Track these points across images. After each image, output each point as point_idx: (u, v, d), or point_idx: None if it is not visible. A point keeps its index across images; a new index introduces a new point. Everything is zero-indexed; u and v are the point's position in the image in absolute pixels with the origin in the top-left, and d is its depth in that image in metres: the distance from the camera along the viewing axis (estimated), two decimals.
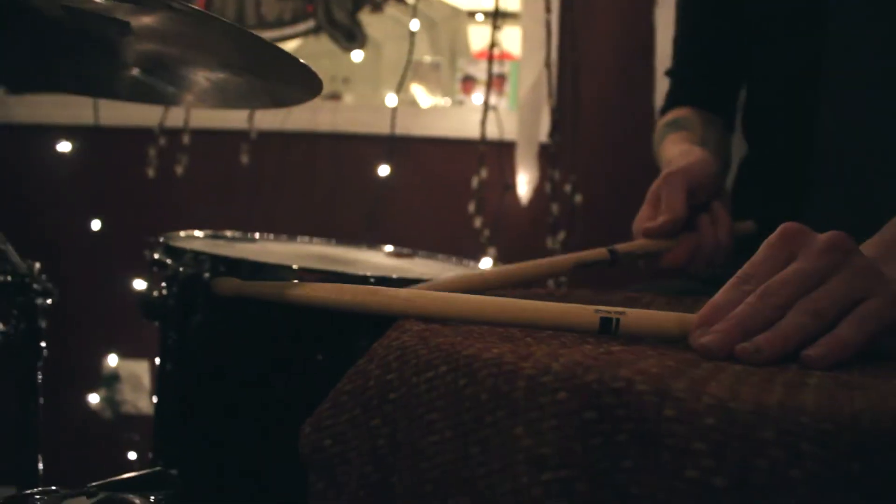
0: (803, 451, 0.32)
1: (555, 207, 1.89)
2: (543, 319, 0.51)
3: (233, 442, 0.89)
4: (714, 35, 1.13)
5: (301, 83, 0.70)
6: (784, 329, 0.48)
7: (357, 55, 2.22)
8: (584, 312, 0.51)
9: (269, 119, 2.03)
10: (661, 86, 1.87)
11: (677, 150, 0.97)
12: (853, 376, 0.44)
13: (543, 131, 1.97)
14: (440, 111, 2.25)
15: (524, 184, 1.98)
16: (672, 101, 1.17)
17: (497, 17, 1.86)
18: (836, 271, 0.50)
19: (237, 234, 1.15)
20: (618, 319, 0.51)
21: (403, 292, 0.52)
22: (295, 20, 2.08)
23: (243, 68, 0.73)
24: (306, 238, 1.24)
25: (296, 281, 0.83)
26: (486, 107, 1.90)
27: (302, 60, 0.63)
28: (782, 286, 0.49)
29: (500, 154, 1.97)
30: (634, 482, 0.34)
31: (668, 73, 1.21)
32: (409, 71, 1.99)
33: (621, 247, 0.79)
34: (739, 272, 0.52)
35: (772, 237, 0.53)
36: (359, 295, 0.52)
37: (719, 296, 0.51)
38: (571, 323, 0.51)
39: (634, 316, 0.51)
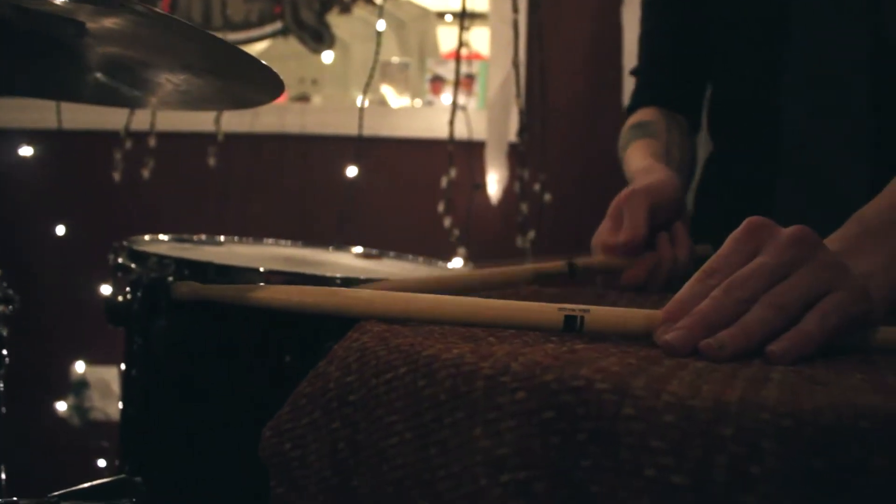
0: (763, 448, 0.31)
1: (524, 207, 1.89)
2: (506, 318, 0.51)
3: (198, 447, 0.88)
4: (679, 34, 1.13)
5: (263, 84, 0.69)
6: (748, 324, 0.47)
7: (326, 56, 2.21)
8: (548, 311, 0.50)
9: (237, 121, 2.02)
10: (629, 85, 1.87)
11: (641, 165, 0.97)
12: (817, 371, 0.44)
13: (513, 131, 1.97)
14: (409, 112, 2.24)
15: (494, 183, 1.98)
16: (638, 100, 1.17)
17: (465, 17, 1.86)
18: (800, 265, 0.50)
19: (203, 237, 1.14)
20: (582, 317, 0.50)
21: (365, 293, 0.51)
22: (262, 22, 2.06)
23: (205, 70, 0.72)
24: (274, 240, 1.22)
25: (262, 284, 0.82)
26: (455, 107, 1.89)
27: (263, 62, 0.62)
28: (747, 280, 0.49)
29: (469, 154, 1.97)
30: (594, 481, 0.34)
31: (634, 72, 1.21)
32: (377, 72, 1.98)
33: (581, 260, 0.80)
34: (704, 266, 0.52)
35: (737, 231, 0.53)
36: (320, 297, 0.51)
37: (684, 291, 0.51)
38: (535, 321, 0.51)
39: (599, 314, 0.51)
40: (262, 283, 0.84)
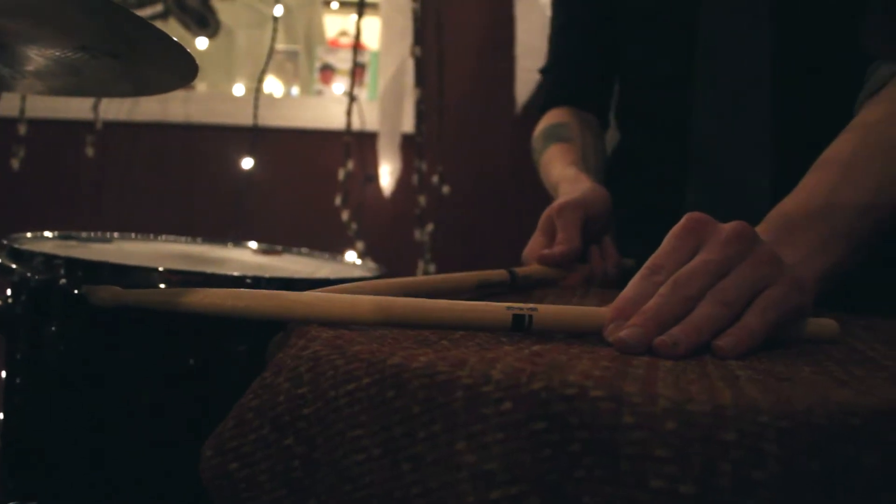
0: (765, 452, 0.31)
1: (422, 199, 1.87)
2: (456, 319, 0.49)
3: (98, 464, 0.81)
4: (588, 33, 1.14)
5: (173, 67, 0.63)
6: (697, 320, 0.48)
7: (200, 42, 2.11)
8: (497, 310, 0.49)
9: (115, 109, 1.90)
10: (522, 77, 1.89)
11: (565, 174, 0.98)
12: (772, 365, 0.44)
13: (406, 122, 1.95)
14: (300, 101, 2.18)
15: (387, 175, 1.95)
16: (548, 100, 1.17)
17: (363, 6, 1.82)
18: (740, 260, 0.51)
19: (92, 234, 1.06)
20: (531, 316, 0.49)
21: (304, 296, 0.48)
22: (141, 3, 1.95)
23: (102, 49, 0.65)
24: (167, 236, 1.15)
25: (192, 288, 0.76)
26: (352, 97, 1.85)
27: (174, 37, 0.57)
28: (692, 277, 0.50)
29: (362, 145, 1.93)
30: (587, 493, 0.32)
31: (543, 70, 1.21)
32: (270, 59, 1.91)
33: (520, 270, 0.81)
34: (648, 263, 0.52)
35: (677, 227, 0.53)
36: (257, 300, 0.47)
37: (630, 289, 0.51)
38: (484, 321, 0.49)
39: (546, 312, 0.49)
40: (162, 285, 0.79)
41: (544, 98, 1.19)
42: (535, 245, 0.86)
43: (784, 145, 0.92)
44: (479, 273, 0.73)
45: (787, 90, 0.91)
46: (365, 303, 0.48)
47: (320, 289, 0.53)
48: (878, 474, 0.32)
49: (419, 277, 0.69)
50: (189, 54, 0.59)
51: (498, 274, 0.76)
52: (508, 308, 0.49)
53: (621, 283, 0.89)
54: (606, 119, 1.18)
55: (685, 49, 0.97)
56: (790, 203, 0.70)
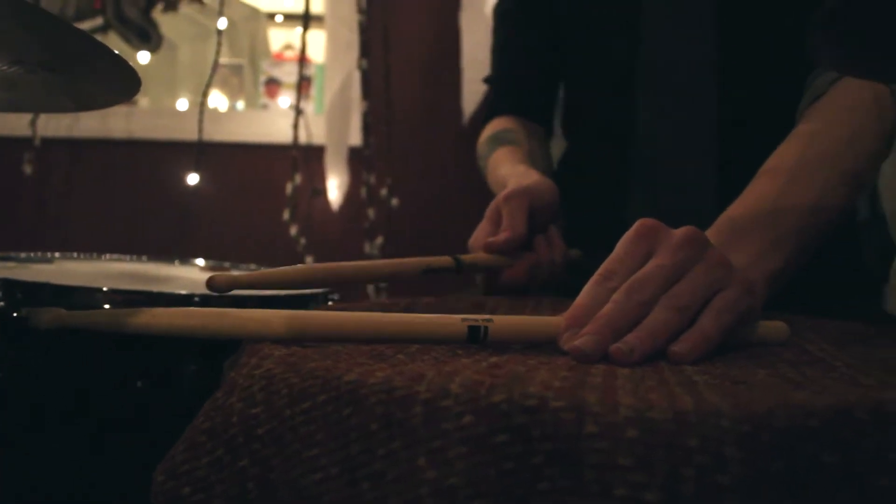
0: (728, 456, 0.31)
1: (371, 212, 1.86)
2: (411, 332, 0.48)
3: (42, 492, 0.78)
4: (530, 43, 1.14)
5: (114, 82, 0.62)
6: (651, 326, 0.48)
7: (141, 57, 2.07)
8: (452, 322, 0.48)
9: (55, 125, 1.85)
10: (469, 87, 1.90)
11: (514, 170, 0.98)
12: (729, 370, 0.45)
13: (353, 135, 1.93)
14: (245, 116, 2.15)
15: (335, 189, 1.93)
16: (493, 110, 1.18)
17: (308, 19, 1.80)
18: (692, 265, 0.51)
19: (31, 254, 1.02)
20: (486, 328, 0.49)
21: (257, 313, 0.47)
22: (80, 16, 1.90)
23: (38, 63, 0.63)
24: (110, 255, 1.12)
25: (143, 309, 0.74)
26: (298, 110, 1.83)
27: (116, 52, 0.56)
28: (645, 283, 0.50)
29: (309, 159, 1.91)
30: None
31: (487, 80, 1.21)
32: (215, 73, 1.88)
33: (465, 257, 0.80)
34: (601, 269, 0.52)
35: (629, 233, 0.53)
36: (208, 319, 0.46)
37: (584, 296, 0.51)
38: (440, 334, 0.48)
39: (502, 323, 0.49)
40: (107, 306, 0.76)
41: (488, 107, 1.19)
42: (480, 233, 0.85)
43: (728, 151, 0.93)
44: (424, 259, 0.73)
45: (730, 96, 0.93)
46: (320, 319, 0.47)
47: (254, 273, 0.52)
48: (837, 472, 0.32)
49: (364, 262, 0.68)
50: (131, 68, 0.58)
51: (443, 260, 0.75)
52: (464, 320, 0.49)
53: (569, 275, 0.89)
54: (551, 127, 1.18)
55: (627, 56, 0.98)
56: (737, 208, 0.71)
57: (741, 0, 0.93)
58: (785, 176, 0.73)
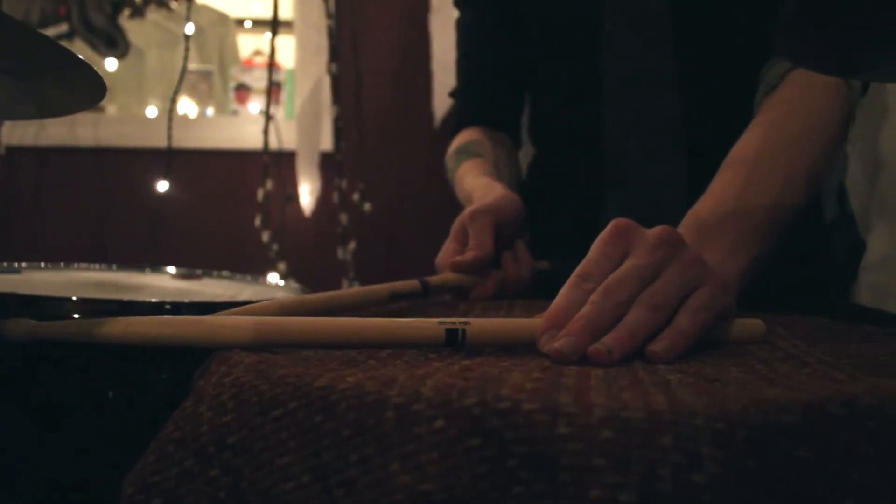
0: (703, 454, 0.31)
1: (344, 217, 1.85)
2: (389, 337, 0.48)
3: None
4: (495, 55, 1.14)
5: (79, 87, 0.61)
6: (629, 326, 0.48)
7: (109, 64, 2.05)
8: (429, 325, 0.48)
9: (20, 133, 1.82)
10: (440, 90, 1.90)
11: (478, 184, 0.97)
12: (701, 367, 0.45)
13: (324, 140, 1.93)
14: (215, 122, 2.13)
15: (306, 194, 1.92)
16: (460, 121, 1.18)
17: (276, 24, 1.79)
18: (668, 264, 0.52)
19: None
20: (464, 330, 0.48)
21: (230, 320, 0.46)
22: (44, 23, 1.87)
23: (1, 69, 0.62)
24: (79, 264, 1.11)
25: (125, 317, 0.73)
26: (268, 116, 1.82)
27: (81, 57, 0.55)
28: (622, 283, 0.50)
29: (280, 164, 1.90)
30: None
31: (453, 94, 1.21)
32: (184, 79, 1.86)
33: (432, 279, 0.79)
34: (577, 271, 0.52)
35: (604, 234, 0.53)
36: (183, 327, 0.45)
37: (561, 298, 0.51)
38: (417, 338, 0.48)
39: (479, 325, 0.49)
40: (76, 316, 0.75)
41: (455, 120, 1.19)
42: (447, 252, 0.85)
43: (695, 147, 0.94)
44: (390, 285, 0.72)
45: (692, 92, 0.93)
46: (296, 325, 0.47)
47: (218, 314, 0.51)
48: (811, 467, 0.32)
49: (331, 293, 0.68)
50: (96, 73, 0.57)
51: (409, 284, 0.74)
52: (441, 323, 0.49)
53: (537, 287, 0.89)
54: (518, 137, 1.18)
55: (591, 59, 0.98)
56: (703, 207, 0.72)
57: (695, 2, 0.93)
58: (747, 169, 0.74)
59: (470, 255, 0.82)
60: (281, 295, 1.00)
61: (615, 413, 0.32)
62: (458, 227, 0.86)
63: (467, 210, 0.86)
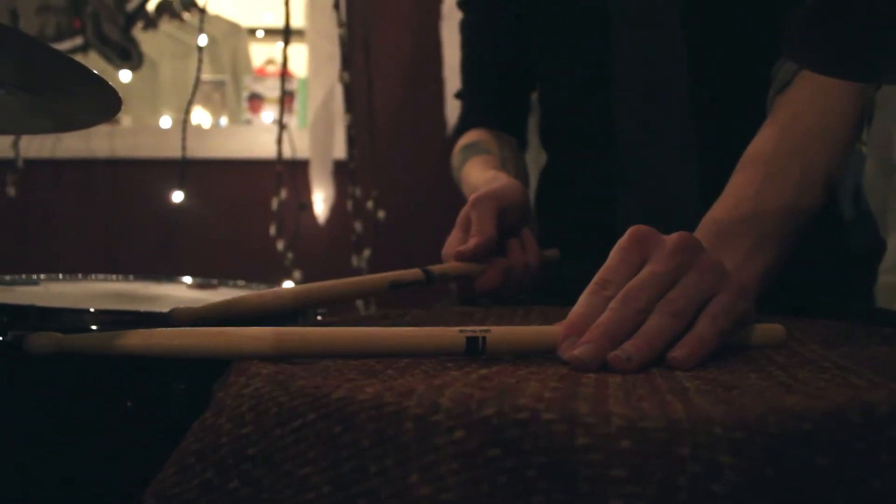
0: (721, 463, 0.31)
1: (358, 225, 1.85)
2: (408, 345, 0.48)
3: None
4: (500, 56, 1.14)
5: (94, 102, 0.61)
6: (649, 333, 0.48)
7: (123, 76, 2.07)
8: (450, 334, 0.48)
9: (38, 146, 1.84)
10: (452, 97, 1.90)
11: (483, 176, 0.97)
12: (720, 374, 0.45)
13: (337, 148, 1.93)
14: (229, 131, 2.15)
15: (320, 202, 1.93)
16: (465, 123, 1.17)
17: (289, 34, 1.80)
18: (687, 270, 0.52)
19: (16, 276, 1.02)
20: (484, 338, 0.48)
21: (251, 331, 0.46)
22: (59, 36, 1.89)
23: (18, 85, 0.63)
24: (96, 275, 1.11)
25: (146, 329, 0.73)
26: (281, 125, 1.83)
27: (96, 71, 0.55)
28: (641, 290, 0.50)
29: (294, 173, 1.91)
30: None
31: (458, 95, 1.21)
32: (197, 90, 1.88)
33: (435, 268, 0.78)
34: (596, 278, 0.52)
35: (623, 241, 0.53)
36: (205, 338, 0.46)
37: (581, 305, 0.51)
38: (438, 346, 0.48)
39: (500, 333, 0.49)
40: (94, 327, 0.76)
41: (460, 121, 1.18)
42: (452, 241, 0.84)
43: (708, 146, 0.93)
44: (391, 273, 0.71)
45: (704, 91, 0.93)
46: (315, 335, 0.47)
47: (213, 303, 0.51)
48: (830, 476, 0.32)
49: (330, 281, 0.67)
50: (111, 87, 0.57)
51: (412, 273, 0.73)
52: (461, 331, 0.49)
53: (546, 276, 0.88)
54: (524, 139, 1.18)
55: (600, 59, 0.98)
56: (720, 209, 0.72)
57: None
58: (763, 168, 0.73)
59: (472, 241, 0.80)
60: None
61: (634, 423, 0.32)
62: (463, 216, 0.85)
63: (470, 198, 0.86)
